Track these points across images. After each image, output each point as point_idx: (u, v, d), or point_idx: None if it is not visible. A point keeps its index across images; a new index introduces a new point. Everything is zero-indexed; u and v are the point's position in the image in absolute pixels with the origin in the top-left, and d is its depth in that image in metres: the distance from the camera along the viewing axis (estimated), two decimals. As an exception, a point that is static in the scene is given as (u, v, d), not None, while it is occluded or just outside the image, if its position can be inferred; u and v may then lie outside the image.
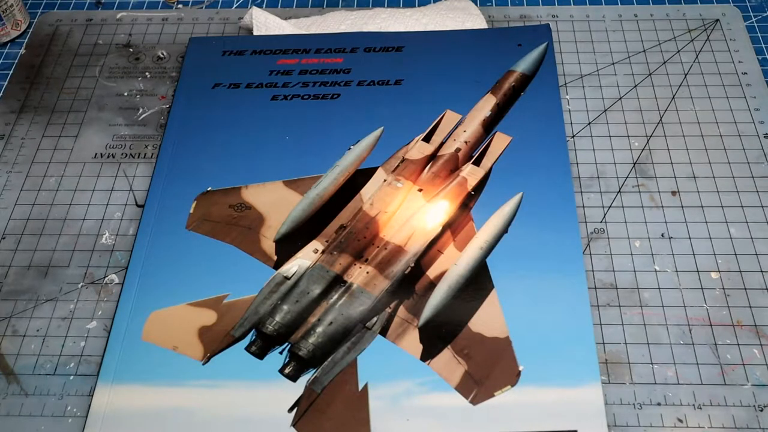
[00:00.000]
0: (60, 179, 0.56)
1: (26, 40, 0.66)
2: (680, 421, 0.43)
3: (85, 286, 0.50)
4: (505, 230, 0.50)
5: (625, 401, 0.44)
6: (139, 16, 0.67)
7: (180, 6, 0.69)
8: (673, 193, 0.53)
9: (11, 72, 0.63)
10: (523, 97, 0.57)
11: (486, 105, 0.56)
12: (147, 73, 0.63)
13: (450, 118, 0.56)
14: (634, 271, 0.50)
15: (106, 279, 0.50)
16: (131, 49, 0.65)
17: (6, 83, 0.62)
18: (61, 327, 0.48)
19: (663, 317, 0.47)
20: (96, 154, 0.57)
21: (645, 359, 0.46)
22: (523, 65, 0.59)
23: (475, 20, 0.64)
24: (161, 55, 0.64)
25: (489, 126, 0.56)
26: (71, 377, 0.46)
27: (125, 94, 0.61)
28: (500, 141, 0.55)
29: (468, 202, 0.52)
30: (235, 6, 0.68)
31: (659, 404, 0.44)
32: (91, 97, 0.61)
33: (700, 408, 0.44)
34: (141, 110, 0.60)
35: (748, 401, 0.44)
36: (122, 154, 0.57)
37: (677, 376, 0.45)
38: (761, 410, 0.44)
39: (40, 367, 0.46)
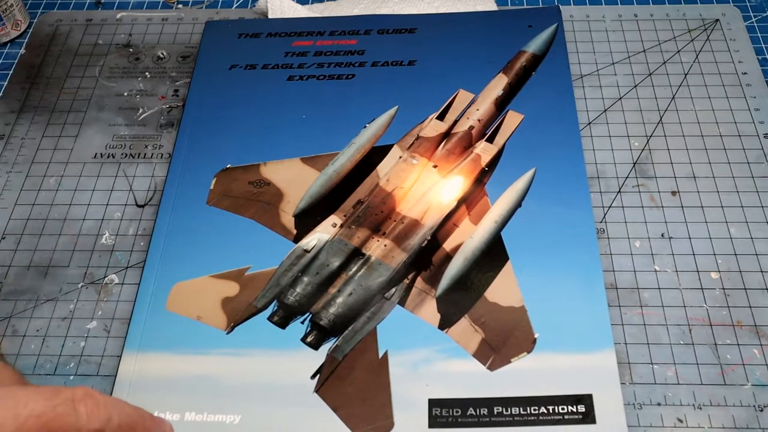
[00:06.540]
0: (60, 179, 0.56)
1: (26, 40, 0.66)
2: (680, 421, 0.43)
3: (85, 286, 0.50)
4: (518, 204, 0.51)
5: (625, 401, 0.44)
6: (139, 16, 0.67)
7: (180, 6, 0.69)
8: (673, 193, 0.53)
9: (11, 72, 0.63)
10: (534, 76, 0.58)
11: (498, 84, 0.57)
12: (147, 73, 0.63)
13: (463, 97, 0.57)
14: (634, 271, 0.50)
15: (106, 279, 0.50)
16: (131, 49, 0.65)
17: (6, 83, 0.62)
18: (61, 327, 0.48)
19: (663, 317, 0.47)
20: (96, 154, 0.57)
21: (645, 359, 0.46)
22: (533, 45, 0.60)
23: (485, 4, 0.65)
24: (161, 55, 0.64)
25: (501, 104, 0.57)
26: (71, 377, 0.46)
27: (125, 94, 0.61)
28: (512, 119, 0.56)
29: (482, 177, 0.53)
30: (235, 6, 0.68)
31: (659, 404, 0.44)
32: (91, 97, 0.61)
33: (700, 408, 0.44)
34: (141, 110, 0.60)
35: (748, 401, 0.44)
36: (122, 154, 0.57)
37: (677, 376, 0.45)
38: (761, 410, 0.44)
39: (40, 367, 0.46)
